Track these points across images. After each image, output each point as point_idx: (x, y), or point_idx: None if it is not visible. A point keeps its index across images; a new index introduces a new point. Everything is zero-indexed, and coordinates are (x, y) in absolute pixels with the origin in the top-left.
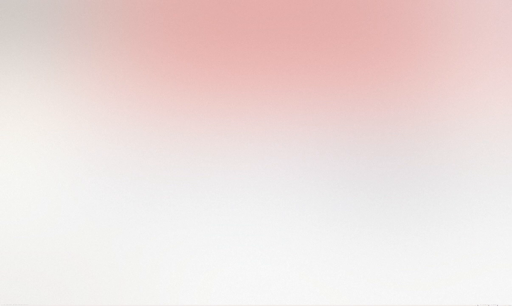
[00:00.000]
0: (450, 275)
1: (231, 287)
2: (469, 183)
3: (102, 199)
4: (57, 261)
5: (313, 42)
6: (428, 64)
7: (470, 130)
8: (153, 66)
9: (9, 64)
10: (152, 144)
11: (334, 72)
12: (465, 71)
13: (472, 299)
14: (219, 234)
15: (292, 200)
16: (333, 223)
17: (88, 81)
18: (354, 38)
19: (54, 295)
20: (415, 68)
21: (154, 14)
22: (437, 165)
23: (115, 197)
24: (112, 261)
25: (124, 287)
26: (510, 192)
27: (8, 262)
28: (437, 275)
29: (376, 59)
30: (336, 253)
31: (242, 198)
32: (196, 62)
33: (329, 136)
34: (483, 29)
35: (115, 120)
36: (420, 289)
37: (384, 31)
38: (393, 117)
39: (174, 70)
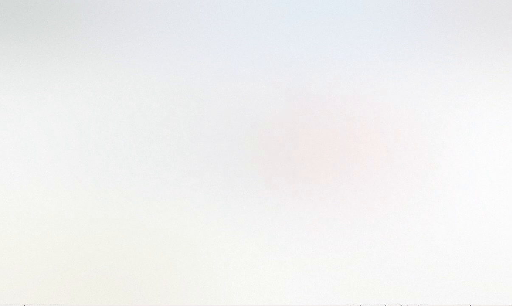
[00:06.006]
0: (450, 275)
1: (231, 287)
2: (469, 182)
3: (102, 199)
4: (57, 261)
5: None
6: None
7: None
8: (153, 66)
9: (9, 64)
10: (152, 144)
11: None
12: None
13: (472, 299)
14: (220, 234)
15: (292, 199)
16: (333, 223)
17: (88, 81)
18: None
19: (54, 295)
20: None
21: (155, 13)
22: (436, 165)
23: (116, 197)
24: (112, 261)
25: (124, 287)
26: (510, 191)
27: (8, 262)
28: (437, 275)
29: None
30: (336, 252)
31: (242, 197)
32: (196, 61)
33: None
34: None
35: (116, 120)
36: (420, 289)
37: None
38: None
39: (174, 69)
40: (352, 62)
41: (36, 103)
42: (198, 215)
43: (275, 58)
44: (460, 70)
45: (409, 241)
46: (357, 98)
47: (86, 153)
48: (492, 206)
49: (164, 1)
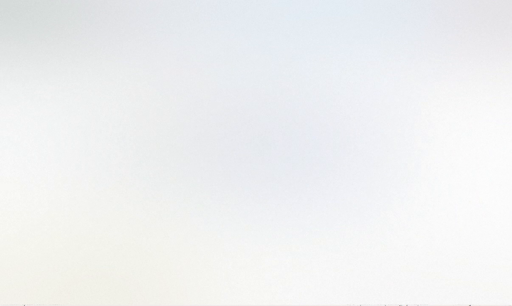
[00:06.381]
0: (450, 275)
1: (231, 287)
2: (469, 182)
3: (102, 199)
4: (57, 261)
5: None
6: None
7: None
8: (153, 66)
9: (9, 64)
10: (152, 144)
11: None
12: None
13: (472, 299)
14: (220, 234)
15: (292, 199)
16: (333, 223)
17: (88, 81)
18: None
19: (54, 295)
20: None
21: (155, 13)
22: (436, 165)
23: (116, 197)
24: (112, 261)
25: (124, 287)
26: (510, 191)
27: (8, 262)
28: (437, 275)
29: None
30: (336, 252)
31: (242, 197)
32: (196, 61)
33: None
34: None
35: (116, 120)
36: (420, 289)
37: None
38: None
39: (174, 69)
40: (352, 62)
41: (36, 103)
42: (198, 215)
43: (275, 58)
44: (460, 70)
45: (409, 241)
46: (357, 98)
47: (86, 153)
48: (492, 206)
49: (164, 1)
